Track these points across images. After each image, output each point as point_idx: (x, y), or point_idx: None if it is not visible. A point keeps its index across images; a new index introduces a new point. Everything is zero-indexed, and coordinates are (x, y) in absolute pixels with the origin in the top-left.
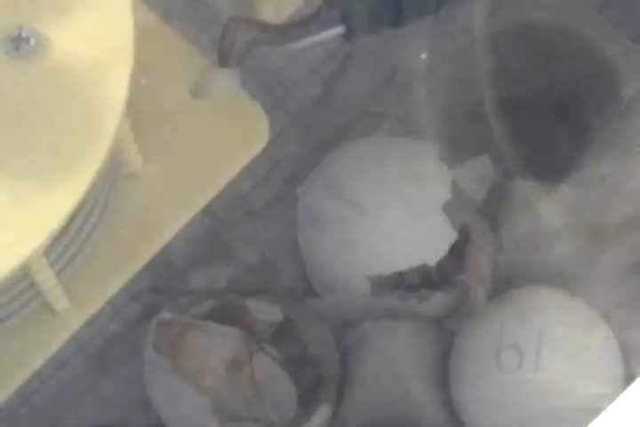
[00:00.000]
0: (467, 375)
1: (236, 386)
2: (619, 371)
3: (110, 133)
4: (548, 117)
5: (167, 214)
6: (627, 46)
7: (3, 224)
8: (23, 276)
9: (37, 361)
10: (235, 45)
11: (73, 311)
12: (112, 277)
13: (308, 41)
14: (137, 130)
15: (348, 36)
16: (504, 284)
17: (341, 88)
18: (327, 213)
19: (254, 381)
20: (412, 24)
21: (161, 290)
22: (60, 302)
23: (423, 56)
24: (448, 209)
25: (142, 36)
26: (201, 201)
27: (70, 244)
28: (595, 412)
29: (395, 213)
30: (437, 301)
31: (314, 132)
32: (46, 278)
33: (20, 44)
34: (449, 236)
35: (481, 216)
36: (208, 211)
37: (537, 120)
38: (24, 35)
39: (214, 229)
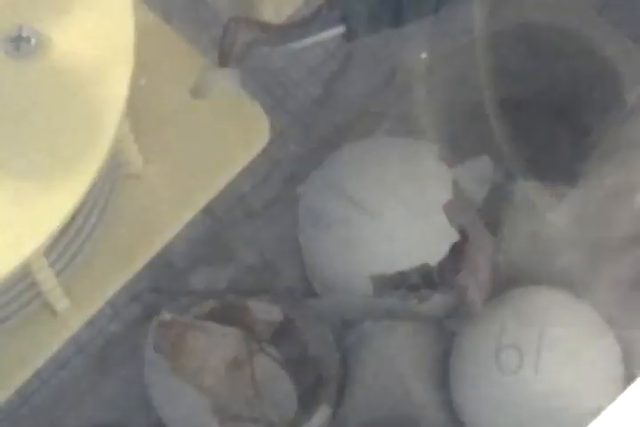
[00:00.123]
0: (467, 375)
1: (237, 386)
2: (619, 371)
3: (111, 133)
4: (548, 118)
5: (167, 214)
6: (627, 46)
7: (3, 224)
8: (23, 276)
9: (38, 361)
10: (235, 45)
11: (73, 312)
12: (112, 278)
13: (309, 41)
14: (137, 130)
15: (348, 36)
16: (504, 284)
17: (341, 88)
18: (330, 212)
19: (254, 381)
20: (411, 24)
21: (161, 290)
22: (61, 303)
23: (423, 56)
24: (449, 209)
25: (142, 36)
26: (201, 201)
27: (70, 244)
28: (595, 412)
29: (396, 212)
30: (437, 301)
31: (314, 133)
32: (46, 279)
33: (21, 43)
34: (450, 236)
35: (481, 216)
36: (208, 211)
37: (537, 120)
38: (24, 34)
39: (214, 230)
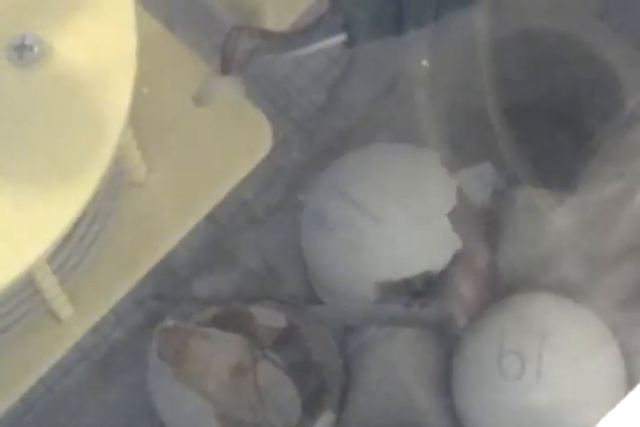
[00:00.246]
0: (469, 381)
1: (240, 392)
2: (620, 376)
3: (113, 141)
4: (549, 123)
5: (170, 221)
6: (627, 52)
7: (6, 232)
8: (27, 284)
9: (42, 368)
10: (237, 53)
11: (77, 319)
12: (116, 285)
13: (311, 48)
14: (140, 137)
15: (350, 43)
16: (505, 290)
17: (344, 95)
18: (333, 216)
19: (257, 387)
20: (413, 31)
21: (164, 297)
22: (64, 310)
23: (424, 63)
24: (452, 215)
25: (145, 44)
26: (204, 208)
27: (74, 251)
28: (597, 417)
29: (398, 218)
30: (438, 307)
31: (316, 139)
32: (50, 286)
33: (24, 52)
34: (452, 242)
35: (483, 222)
36: (211, 218)
37: (537, 126)
38: (27, 43)
39: (217, 236)
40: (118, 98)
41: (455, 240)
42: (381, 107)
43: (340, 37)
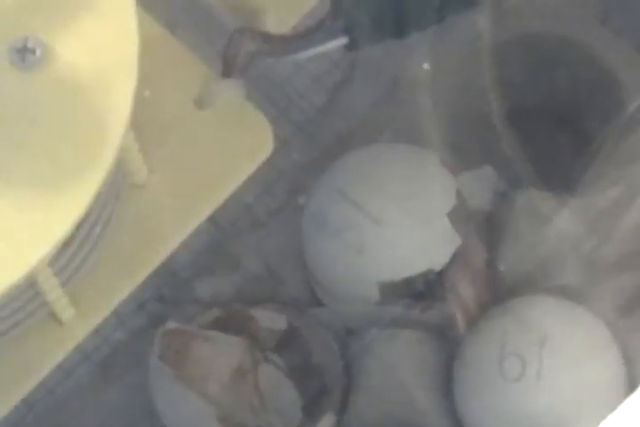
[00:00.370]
0: (470, 384)
1: (241, 394)
2: (621, 379)
3: (115, 144)
4: (549, 126)
5: (172, 224)
6: (628, 55)
7: (8, 234)
8: (29, 286)
9: (43, 370)
10: (239, 56)
11: (79, 321)
12: (117, 287)
13: (312, 51)
14: (142, 140)
15: (351, 46)
16: (506, 292)
17: (345, 97)
18: (333, 216)
19: (259, 389)
20: (414, 35)
21: (166, 299)
22: (66, 312)
23: (426, 66)
24: (452, 216)
25: (146, 47)
26: (206, 211)
27: (75, 254)
28: (597, 420)
29: (398, 219)
30: (440, 310)
31: (317, 142)
32: (52, 288)
33: (26, 55)
34: (452, 243)
35: (482, 223)
36: (212, 220)
37: (538, 128)
38: (30, 46)
39: (219, 239)
40: (120, 100)
41: (455, 240)
42: (382, 109)
43: (342, 41)
